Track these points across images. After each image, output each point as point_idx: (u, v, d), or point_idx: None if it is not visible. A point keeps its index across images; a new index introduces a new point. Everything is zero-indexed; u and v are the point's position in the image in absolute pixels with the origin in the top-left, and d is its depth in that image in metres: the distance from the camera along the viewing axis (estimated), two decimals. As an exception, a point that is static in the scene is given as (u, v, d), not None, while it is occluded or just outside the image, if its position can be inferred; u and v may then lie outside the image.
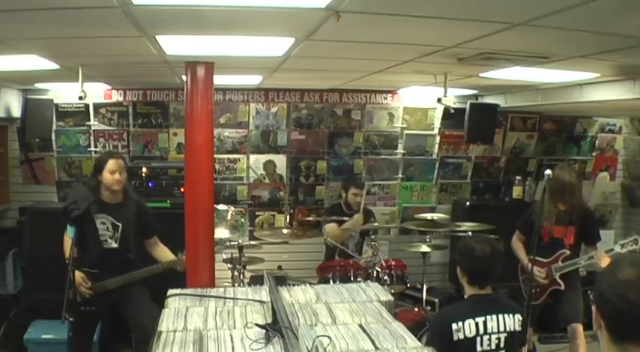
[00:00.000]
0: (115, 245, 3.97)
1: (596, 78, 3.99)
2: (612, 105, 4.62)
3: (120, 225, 3.97)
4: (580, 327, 4.16)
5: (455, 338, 2.75)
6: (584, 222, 4.20)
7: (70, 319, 3.83)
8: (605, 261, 3.80)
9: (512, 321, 2.83)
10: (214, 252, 4.04)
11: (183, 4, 2.22)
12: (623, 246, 3.95)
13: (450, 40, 2.83)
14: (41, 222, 4.96)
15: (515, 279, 4.44)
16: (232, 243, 4.59)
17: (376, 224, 4.83)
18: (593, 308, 1.57)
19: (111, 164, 3.88)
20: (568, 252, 4.19)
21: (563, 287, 4.19)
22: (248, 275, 4.66)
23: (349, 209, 5.26)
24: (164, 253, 4.15)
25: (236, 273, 4.51)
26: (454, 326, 2.75)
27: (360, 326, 2.29)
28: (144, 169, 5.29)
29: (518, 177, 6.24)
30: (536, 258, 4.19)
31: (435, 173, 6.28)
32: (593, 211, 5.06)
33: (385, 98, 6.06)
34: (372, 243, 4.66)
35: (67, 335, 3.80)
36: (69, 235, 3.80)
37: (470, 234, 4.61)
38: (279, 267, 5.27)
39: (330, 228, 5.07)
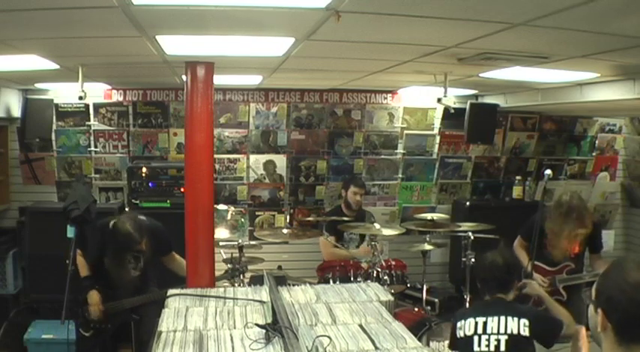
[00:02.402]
0: (138, 273, 4.09)
1: (596, 78, 3.99)
2: (612, 105, 4.62)
3: (140, 256, 4.05)
4: (583, 329, 4.15)
5: (458, 335, 2.85)
6: (592, 231, 4.19)
7: (83, 332, 3.92)
8: None
9: (516, 325, 2.81)
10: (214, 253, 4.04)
11: (183, 4, 2.22)
12: None
13: (450, 40, 2.82)
14: (41, 222, 4.95)
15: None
16: (231, 242, 4.59)
17: (376, 224, 4.82)
18: (591, 309, 1.56)
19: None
20: (573, 266, 4.20)
21: (565, 299, 4.19)
22: (248, 275, 4.66)
23: (349, 209, 5.26)
24: (181, 267, 4.12)
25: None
26: (458, 324, 2.87)
27: (360, 326, 2.29)
28: (144, 169, 5.28)
29: (518, 177, 6.24)
30: (541, 265, 4.20)
31: (435, 173, 6.28)
32: (599, 220, 5.06)
33: (385, 98, 6.06)
34: (373, 243, 4.66)
35: (66, 335, 3.81)
36: (69, 235, 3.82)
37: (469, 233, 4.59)
38: (279, 267, 5.26)
39: (329, 248, 5.04)
